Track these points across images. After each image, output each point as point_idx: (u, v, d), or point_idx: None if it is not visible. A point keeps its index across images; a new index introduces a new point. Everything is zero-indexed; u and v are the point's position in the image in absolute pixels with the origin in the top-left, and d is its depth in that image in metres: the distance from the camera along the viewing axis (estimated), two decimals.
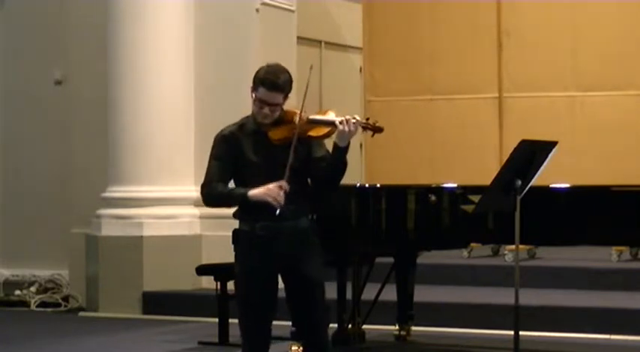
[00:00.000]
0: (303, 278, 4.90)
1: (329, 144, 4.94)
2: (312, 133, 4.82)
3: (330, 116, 4.85)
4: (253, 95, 4.89)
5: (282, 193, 4.69)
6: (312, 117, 4.84)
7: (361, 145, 11.63)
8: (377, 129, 4.85)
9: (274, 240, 4.86)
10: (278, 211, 4.71)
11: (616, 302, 8.45)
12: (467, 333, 8.28)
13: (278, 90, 4.83)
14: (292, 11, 10.33)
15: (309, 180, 4.97)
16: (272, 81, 4.83)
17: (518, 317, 5.96)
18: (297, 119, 4.80)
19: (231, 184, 4.98)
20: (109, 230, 9.75)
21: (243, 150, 4.90)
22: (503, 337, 7.48)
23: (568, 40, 11.41)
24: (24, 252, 10.79)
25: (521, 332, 6.01)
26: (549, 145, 6.10)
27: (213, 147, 4.97)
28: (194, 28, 9.94)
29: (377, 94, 12.12)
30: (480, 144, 11.57)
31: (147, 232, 9.67)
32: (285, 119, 4.87)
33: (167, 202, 9.80)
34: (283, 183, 4.70)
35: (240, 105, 9.45)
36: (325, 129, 4.81)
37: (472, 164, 11.18)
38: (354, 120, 4.75)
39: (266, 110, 4.85)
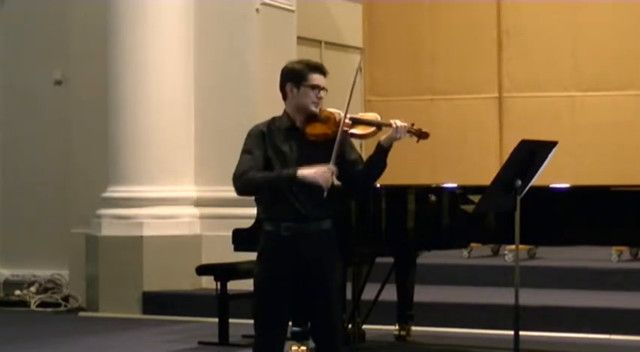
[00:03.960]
0: (323, 280, 4.90)
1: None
2: (358, 131, 4.87)
3: (374, 117, 4.89)
4: (295, 90, 4.88)
5: (331, 177, 4.71)
6: (353, 116, 4.88)
7: (361, 145, 11.64)
8: (422, 135, 4.93)
9: (298, 241, 4.86)
10: (325, 193, 4.71)
11: (616, 302, 8.45)
12: (467, 333, 8.28)
13: (325, 74, 4.96)
14: (292, 11, 10.33)
15: (337, 182, 4.98)
16: (319, 66, 4.95)
17: (518, 317, 5.96)
18: (338, 117, 4.84)
19: None
20: (109, 230, 9.75)
21: (277, 143, 4.89)
22: (503, 337, 7.48)
23: (568, 40, 11.42)
24: (24, 252, 10.79)
25: (521, 332, 6.00)
26: (549, 145, 6.10)
27: (245, 143, 4.93)
28: (194, 28, 9.94)
29: (377, 94, 12.13)
30: (479, 144, 11.58)
31: (147, 232, 9.67)
32: (323, 116, 4.89)
33: (167, 202, 9.80)
34: (332, 167, 4.72)
35: (240, 105, 9.59)
36: (370, 129, 4.89)
37: (472, 164, 11.19)
38: (404, 124, 4.83)
39: (320, 95, 4.90)
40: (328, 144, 4.79)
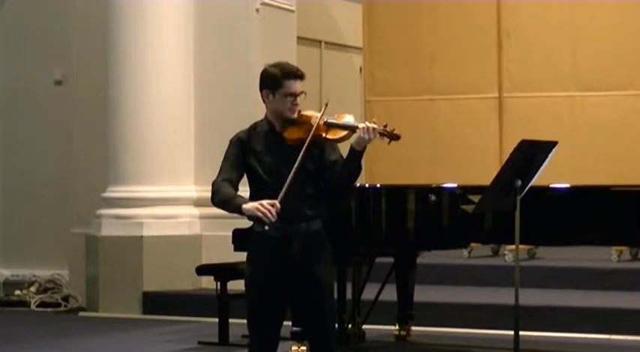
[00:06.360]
0: (315, 280, 4.89)
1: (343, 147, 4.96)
2: (330, 136, 4.85)
3: (348, 119, 4.87)
4: (271, 96, 4.90)
5: (274, 211, 4.68)
6: (329, 120, 4.86)
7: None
8: (394, 137, 4.87)
9: (287, 242, 4.86)
10: (267, 227, 4.72)
11: (616, 302, 8.45)
12: (467, 333, 8.28)
13: (301, 78, 4.91)
14: (292, 11, 10.33)
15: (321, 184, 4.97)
16: (294, 72, 4.90)
17: (519, 317, 5.96)
18: (314, 121, 4.82)
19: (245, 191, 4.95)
20: (109, 230, 9.75)
21: (257, 149, 4.91)
22: (503, 337, 7.48)
23: (568, 40, 11.41)
24: (24, 252, 10.79)
25: (521, 332, 6.01)
26: (549, 145, 6.11)
27: (226, 151, 4.99)
28: (194, 28, 9.94)
29: (377, 94, 12.13)
30: (480, 144, 11.57)
31: (147, 232, 9.67)
32: (301, 120, 4.89)
33: (167, 202, 9.80)
34: (276, 202, 4.70)
35: (240, 105, 9.59)
36: (343, 133, 4.84)
37: (472, 164, 11.18)
38: (373, 126, 4.77)
39: (296, 101, 4.89)
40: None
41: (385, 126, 4.85)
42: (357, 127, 4.80)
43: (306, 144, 4.77)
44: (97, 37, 10.01)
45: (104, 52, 9.85)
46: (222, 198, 4.88)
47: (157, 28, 9.77)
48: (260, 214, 4.69)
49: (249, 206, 4.75)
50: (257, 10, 9.84)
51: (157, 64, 9.75)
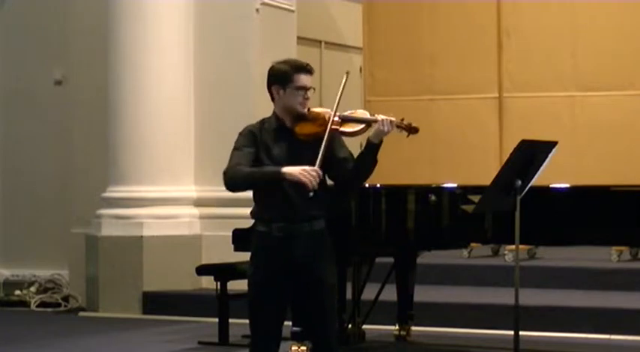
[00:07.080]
0: (318, 280, 4.89)
1: (351, 143, 4.96)
2: (346, 128, 4.84)
3: (363, 114, 4.88)
4: (282, 91, 4.88)
5: (317, 178, 4.67)
6: (342, 114, 4.87)
7: (361, 145, 11.63)
8: (412, 130, 4.88)
9: (290, 242, 4.85)
10: (311, 194, 4.67)
11: (616, 302, 8.46)
12: (467, 333, 8.28)
13: (310, 72, 4.93)
14: (292, 11, 10.33)
15: (328, 182, 4.96)
16: (304, 66, 4.91)
17: (519, 317, 5.96)
18: (327, 116, 4.82)
19: None
20: (109, 230, 9.75)
21: (267, 144, 4.89)
22: (503, 337, 7.48)
23: (568, 40, 11.41)
24: (24, 252, 10.79)
25: (521, 332, 6.01)
26: (549, 145, 6.11)
27: (236, 142, 4.95)
28: (194, 28, 9.94)
29: (377, 94, 12.12)
30: (480, 144, 11.57)
31: (147, 232, 9.67)
32: (312, 116, 4.89)
33: (167, 202, 9.80)
34: (317, 169, 4.68)
35: (240, 105, 9.60)
36: (359, 126, 4.86)
37: (472, 164, 11.18)
38: (391, 119, 4.80)
39: (307, 95, 4.89)
40: (318, 143, 4.77)
41: (402, 119, 4.86)
42: (373, 121, 4.82)
43: (327, 134, 4.73)
44: (97, 37, 10.01)
45: (104, 52, 9.85)
46: (248, 174, 4.80)
47: (157, 28, 9.77)
48: (305, 180, 4.66)
49: (292, 170, 4.68)
50: (257, 10, 9.84)
51: (157, 64, 9.75)
